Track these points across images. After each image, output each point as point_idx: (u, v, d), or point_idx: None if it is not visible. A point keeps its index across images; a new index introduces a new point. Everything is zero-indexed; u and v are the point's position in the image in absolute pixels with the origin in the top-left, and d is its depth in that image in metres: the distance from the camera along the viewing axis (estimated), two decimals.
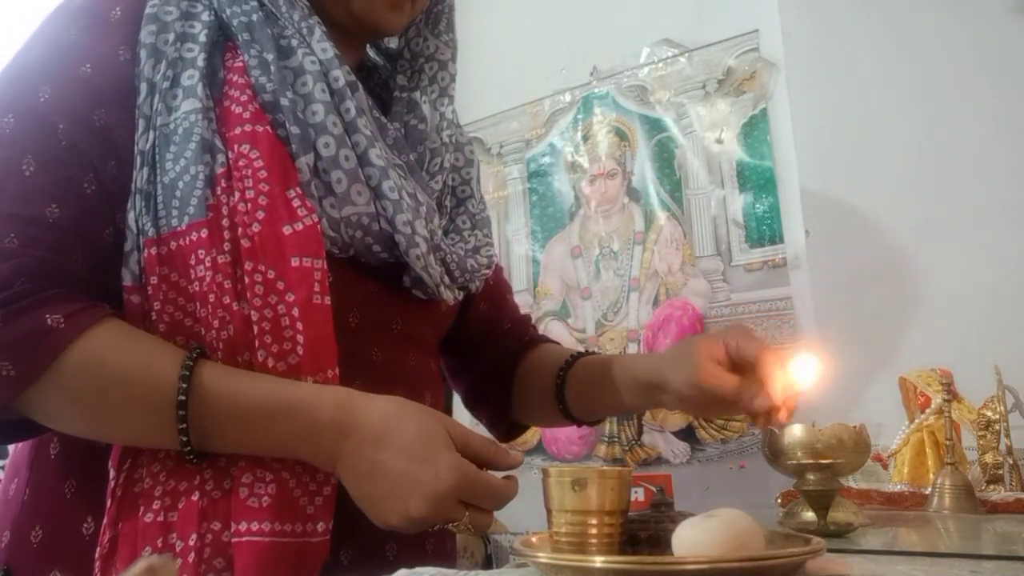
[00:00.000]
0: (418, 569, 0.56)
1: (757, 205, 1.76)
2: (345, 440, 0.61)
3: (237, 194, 0.64)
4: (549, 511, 0.59)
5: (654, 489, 0.65)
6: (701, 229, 1.83)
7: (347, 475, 0.62)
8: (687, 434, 1.77)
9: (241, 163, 0.64)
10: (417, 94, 0.82)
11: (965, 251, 1.51)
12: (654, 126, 1.93)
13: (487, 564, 1.84)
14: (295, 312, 0.63)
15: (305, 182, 0.66)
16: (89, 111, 0.64)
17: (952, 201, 1.54)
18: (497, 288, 0.97)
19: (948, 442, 1.02)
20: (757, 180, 1.77)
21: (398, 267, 0.74)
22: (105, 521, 0.61)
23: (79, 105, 0.64)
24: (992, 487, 1.06)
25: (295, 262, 0.63)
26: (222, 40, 0.70)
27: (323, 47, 0.70)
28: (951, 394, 1.07)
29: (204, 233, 0.62)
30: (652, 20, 1.97)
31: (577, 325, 1.96)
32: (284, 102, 0.67)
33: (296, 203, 0.65)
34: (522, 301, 2.09)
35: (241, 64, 0.68)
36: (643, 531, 0.59)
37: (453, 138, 0.84)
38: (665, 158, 1.90)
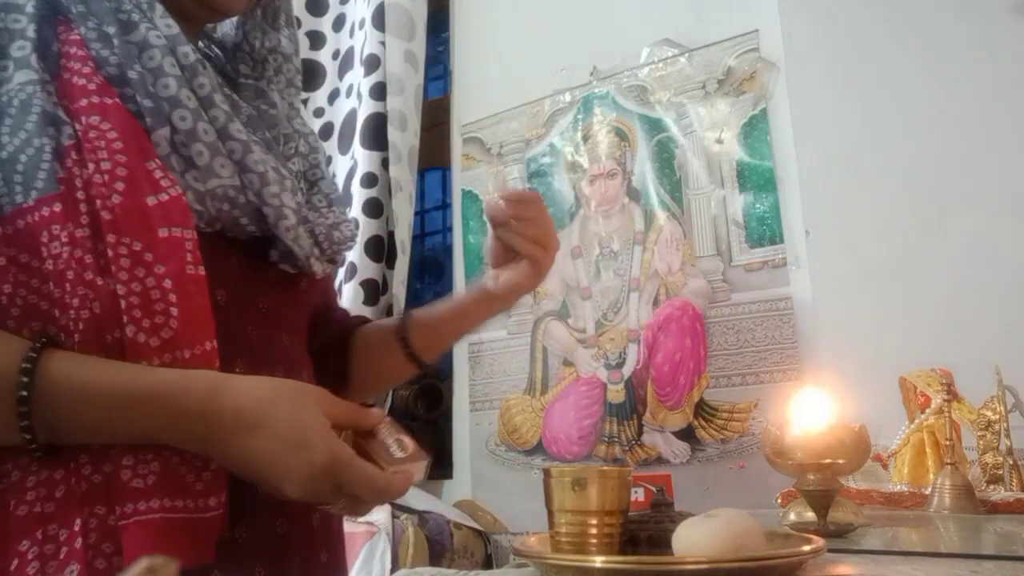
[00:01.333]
0: (418, 569, 0.56)
1: (757, 205, 1.76)
2: (216, 428, 0.59)
3: (92, 166, 0.61)
4: (549, 511, 0.59)
5: (654, 489, 0.65)
6: (701, 229, 1.83)
7: (221, 461, 0.60)
8: (687, 434, 1.77)
9: (92, 135, 0.62)
10: (264, 83, 0.82)
11: (965, 251, 1.51)
12: (654, 126, 1.93)
13: (487, 564, 1.84)
14: (167, 284, 0.60)
15: (164, 156, 0.65)
16: None
17: (952, 201, 1.54)
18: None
19: (948, 442, 1.02)
20: (757, 180, 1.77)
21: (262, 244, 0.73)
22: None
23: None
24: (992, 487, 1.06)
25: (163, 233, 0.61)
26: (51, 14, 0.66)
27: (167, 23, 0.69)
28: (951, 394, 1.07)
29: (57, 207, 0.59)
30: (652, 20, 1.97)
31: (577, 325, 1.96)
32: (132, 75, 0.65)
33: (158, 175, 0.63)
34: (522, 301, 2.09)
35: (78, 37, 0.65)
36: (643, 531, 0.59)
37: (301, 129, 0.84)
38: (665, 158, 1.90)
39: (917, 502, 1.02)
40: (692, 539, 0.51)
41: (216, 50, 0.87)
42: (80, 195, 0.60)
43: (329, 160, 2.25)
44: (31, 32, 0.63)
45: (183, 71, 0.68)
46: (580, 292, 1.97)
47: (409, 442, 0.65)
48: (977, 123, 1.54)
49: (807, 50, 1.74)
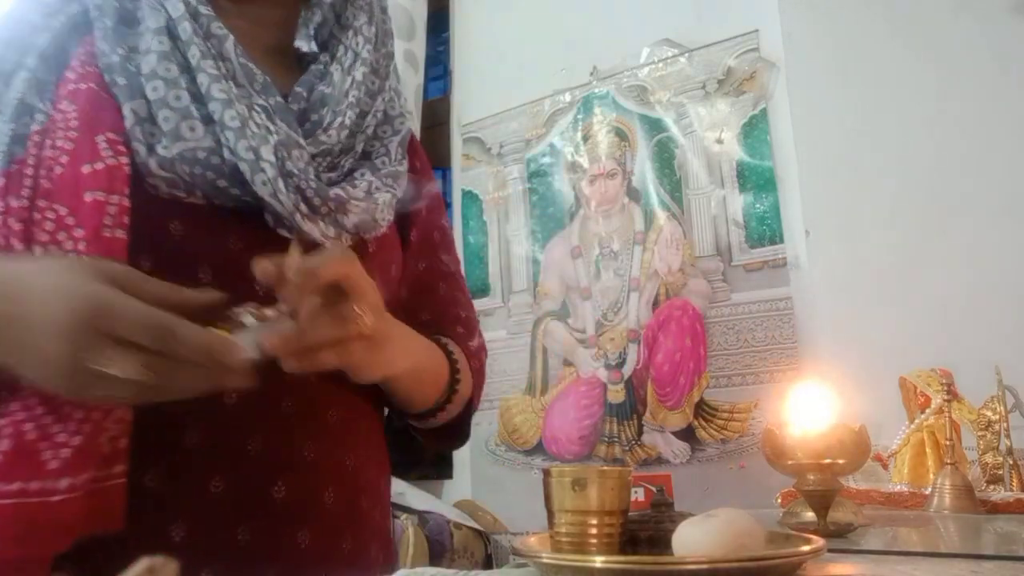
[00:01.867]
0: (418, 569, 0.56)
1: (757, 205, 1.76)
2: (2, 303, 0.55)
3: (47, 143, 0.64)
4: (549, 511, 0.59)
5: (654, 489, 0.65)
6: (701, 229, 1.83)
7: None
8: (687, 434, 1.77)
9: (58, 117, 0.65)
10: (333, 65, 0.80)
11: (965, 251, 1.51)
12: (654, 126, 1.93)
13: (487, 564, 1.84)
14: (81, 246, 0.60)
15: (129, 128, 0.66)
16: None
17: (952, 201, 1.54)
18: (434, 274, 0.90)
19: (948, 442, 1.02)
20: (757, 180, 1.77)
21: (262, 212, 0.69)
22: None
23: None
24: (992, 487, 1.06)
25: (88, 197, 0.62)
26: (84, 25, 0.71)
27: (174, 5, 0.71)
28: (951, 394, 1.07)
29: (0, 182, 0.62)
30: (652, 20, 1.97)
31: (577, 325, 1.96)
32: (115, 58, 0.68)
33: (102, 146, 0.64)
34: (522, 301, 2.10)
35: (90, 38, 0.70)
36: (643, 531, 0.59)
37: (362, 103, 0.80)
38: (665, 158, 1.90)
39: (917, 502, 1.02)
40: (692, 539, 0.51)
41: (310, 29, 0.84)
42: (30, 171, 0.63)
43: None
44: (43, 42, 0.68)
45: (174, 45, 0.70)
46: (580, 292, 1.97)
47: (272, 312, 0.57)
48: (977, 123, 1.54)
49: (807, 50, 1.74)
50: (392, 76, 0.85)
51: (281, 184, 0.68)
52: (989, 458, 1.08)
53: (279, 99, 0.74)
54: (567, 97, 2.09)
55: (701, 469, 1.74)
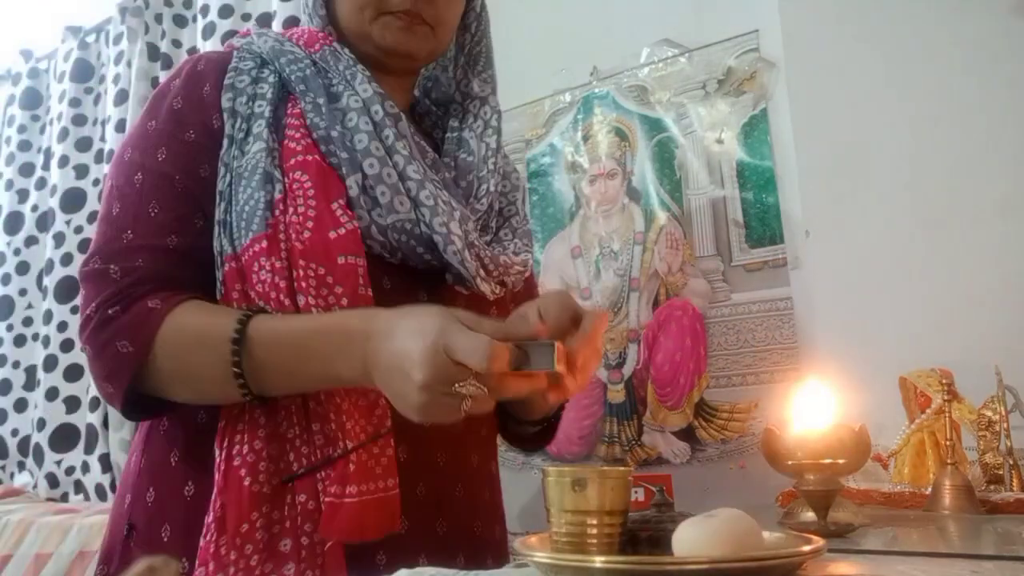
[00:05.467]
0: (419, 569, 0.56)
1: (757, 205, 1.76)
2: (368, 342, 0.69)
3: (291, 210, 0.77)
4: (549, 511, 0.59)
5: (654, 489, 0.65)
6: (701, 229, 1.83)
7: (375, 375, 0.69)
8: (687, 434, 1.77)
9: (295, 186, 0.78)
10: (466, 132, 0.95)
11: (965, 251, 1.51)
12: (654, 126, 1.93)
13: None
14: (344, 302, 0.75)
15: (354, 197, 0.79)
16: (196, 166, 0.82)
17: (952, 201, 1.54)
18: (528, 296, 1.05)
19: (948, 442, 1.02)
20: (757, 180, 1.77)
21: (444, 272, 0.84)
22: (215, 492, 0.73)
23: (188, 162, 0.82)
24: (992, 487, 1.06)
25: (341, 260, 0.75)
26: (286, 94, 0.85)
27: (364, 88, 0.85)
28: (951, 394, 1.07)
29: (264, 244, 0.75)
30: (652, 20, 1.96)
31: None
32: (334, 134, 0.81)
33: (339, 213, 0.77)
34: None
35: (299, 110, 0.84)
36: (643, 531, 0.59)
37: (499, 168, 0.95)
38: (665, 158, 1.90)
39: (917, 502, 1.02)
40: (692, 539, 0.51)
41: (429, 103, 1.02)
42: (282, 236, 0.76)
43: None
44: (267, 113, 0.83)
45: (375, 127, 0.83)
46: (580, 292, 1.97)
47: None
48: (977, 123, 1.54)
49: (807, 50, 1.74)
50: (500, 132, 0.99)
51: (467, 254, 0.83)
52: (989, 458, 1.08)
53: (448, 175, 0.89)
54: (567, 97, 2.09)
55: (701, 469, 1.74)
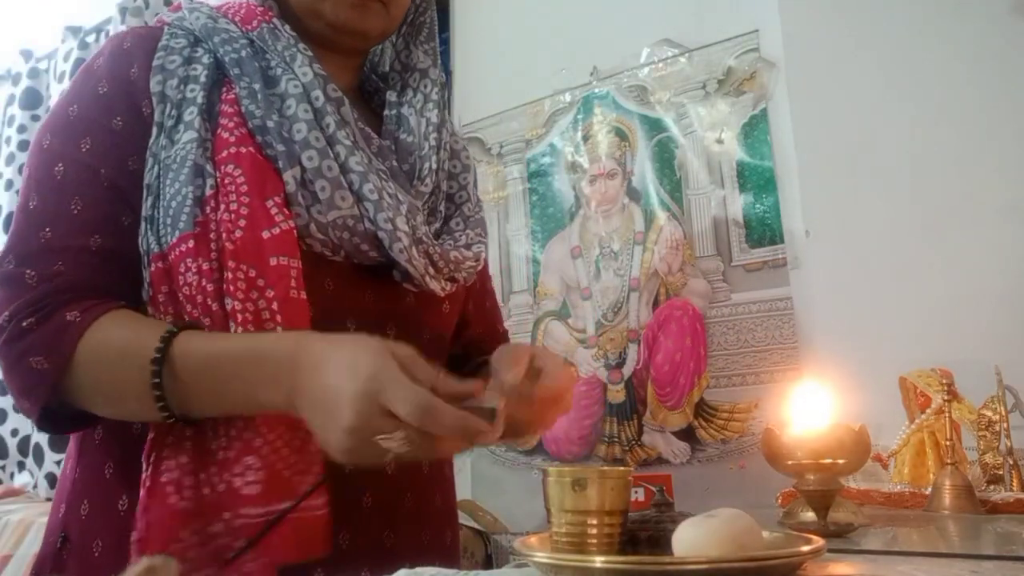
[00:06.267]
0: (419, 569, 0.56)
1: (757, 205, 1.76)
2: (296, 372, 0.64)
3: (223, 207, 0.71)
4: (549, 511, 0.59)
5: (654, 489, 0.65)
6: (701, 229, 1.83)
7: (300, 405, 0.65)
8: (687, 434, 1.77)
9: (227, 181, 0.72)
10: (405, 108, 0.88)
11: (965, 251, 1.51)
12: (654, 126, 1.93)
13: (487, 564, 1.84)
14: (275, 306, 0.69)
15: (292, 193, 0.73)
16: (123, 157, 0.75)
17: (952, 201, 1.54)
18: (483, 292, 1.03)
19: (948, 442, 1.02)
20: (757, 180, 1.77)
21: (391, 268, 0.79)
22: (139, 508, 0.68)
23: (115, 153, 0.75)
24: (992, 487, 1.06)
25: (273, 261, 0.70)
26: (221, 77, 0.78)
27: (304, 71, 0.78)
28: (951, 394, 1.07)
29: (191, 244, 0.70)
30: (652, 20, 1.96)
31: (577, 325, 1.96)
32: (271, 124, 0.75)
33: (274, 211, 0.72)
34: (522, 301, 2.10)
35: (233, 96, 0.76)
36: (643, 531, 0.59)
37: (447, 145, 0.90)
38: (665, 158, 1.90)
39: (917, 502, 1.02)
40: (692, 539, 0.51)
41: (376, 79, 0.95)
42: (212, 234, 0.71)
43: None
44: (200, 99, 0.76)
45: (315, 114, 0.77)
46: (580, 292, 1.97)
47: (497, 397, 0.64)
48: (977, 123, 1.54)
49: (807, 50, 1.74)
50: (447, 106, 0.94)
51: (415, 251, 0.78)
52: (989, 458, 1.08)
53: (394, 163, 0.83)
54: (567, 97, 2.09)
55: (701, 469, 1.74)
